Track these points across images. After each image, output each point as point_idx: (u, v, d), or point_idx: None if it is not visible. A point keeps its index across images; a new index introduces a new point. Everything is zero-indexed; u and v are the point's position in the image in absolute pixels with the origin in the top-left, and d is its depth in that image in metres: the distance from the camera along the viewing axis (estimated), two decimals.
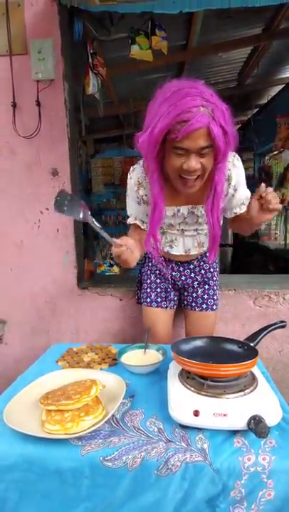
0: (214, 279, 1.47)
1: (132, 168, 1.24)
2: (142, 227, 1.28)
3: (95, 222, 0.95)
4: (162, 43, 2.02)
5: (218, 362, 0.81)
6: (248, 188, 1.22)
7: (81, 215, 0.93)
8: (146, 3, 1.47)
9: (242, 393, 0.80)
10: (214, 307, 1.46)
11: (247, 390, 0.81)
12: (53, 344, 1.38)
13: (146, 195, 1.21)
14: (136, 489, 0.73)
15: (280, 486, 0.71)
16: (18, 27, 1.59)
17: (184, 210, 1.22)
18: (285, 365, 1.77)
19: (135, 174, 1.21)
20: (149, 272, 1.48)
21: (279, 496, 0.71)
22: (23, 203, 1.75)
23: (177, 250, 1.34)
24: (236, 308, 1.75)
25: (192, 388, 0.83)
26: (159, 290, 1.45)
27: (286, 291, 1.71)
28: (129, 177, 1.24)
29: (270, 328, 0.97)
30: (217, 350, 0.95)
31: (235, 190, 1.18)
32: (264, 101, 4.84)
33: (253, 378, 0.87)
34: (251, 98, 4.78)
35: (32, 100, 1.64)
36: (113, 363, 1.15)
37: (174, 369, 0.94)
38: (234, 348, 0.94)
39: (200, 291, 1.45)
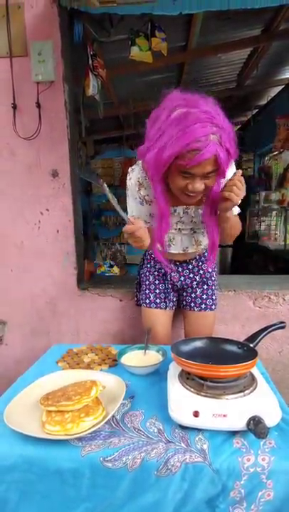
0: (213, 279, 1.48)
1: (130, 169, 1.24)
2: None
3: (111, 193, 1.00)
4: (162, 45, 2.02)
5: (218, 363, 0.81)
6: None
7: (100, 181, 0.98)
8: (146, 4, 1.47)
9: (241, 394, 0.80)
10: (213, 307, 1.47)
11: (246, 391, 0.81)
12: (53, 345, 1.39)
13: (148, 195, 1.20)
14: (136, 490, 0.73)
15: (280, 486, 0.71)
16: (19, 29, 1.60)
17: (179, 209, 1.23)
18: (284, 366, 1.77)
19: (135, 175, 1.21)
20: (147, 274, 1.48)
21: (278, 497, 0.71)
22: (23, 204, 1.76)
23: (175, 249, 1.34)
24: (236, 309, 1.75)
25: (192, 389, 0.83)
26: (158, 291, 1.45)
27: (286, 291, 1.71)
28: (128, 178, 1.23)
29: (270, 329, 0.98)
30: (217, 351, 0.95)
31: None
32: (263, 102, 4.85)
33: (253, 379, 0.87)
34: (251, 99, 4.80)
35: (32, 102, 1.64)
36: (113, 363, 1.15)
37: (173, 370, 0.95)
38: (234, 348, 0.94)
39: (199, 291, 1.46)
